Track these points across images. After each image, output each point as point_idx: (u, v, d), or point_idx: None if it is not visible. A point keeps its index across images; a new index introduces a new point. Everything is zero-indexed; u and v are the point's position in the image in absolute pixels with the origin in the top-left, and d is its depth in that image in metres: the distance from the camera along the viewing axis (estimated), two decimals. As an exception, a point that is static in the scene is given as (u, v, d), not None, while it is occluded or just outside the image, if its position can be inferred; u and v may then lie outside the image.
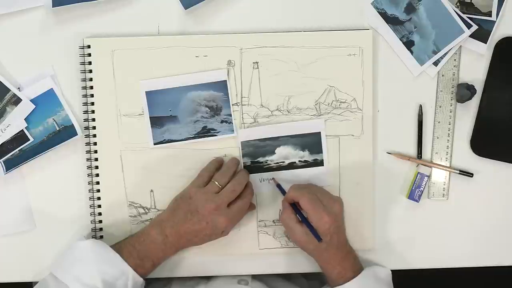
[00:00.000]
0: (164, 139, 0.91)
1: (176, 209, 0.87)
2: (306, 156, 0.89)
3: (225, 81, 0.90)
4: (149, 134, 0.91)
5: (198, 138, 0.91)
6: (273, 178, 0.91)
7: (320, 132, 0.91)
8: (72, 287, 0.82)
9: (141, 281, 0.86)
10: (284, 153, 0.90)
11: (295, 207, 0.88)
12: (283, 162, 0.91)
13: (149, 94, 0.90)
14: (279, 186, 0.89)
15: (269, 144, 0.91)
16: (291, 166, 0.92)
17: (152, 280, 0.94)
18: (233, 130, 0.91)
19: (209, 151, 0.92)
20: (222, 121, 0.91)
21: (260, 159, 0.92)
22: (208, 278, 0.96)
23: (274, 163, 0.92)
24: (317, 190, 0.88)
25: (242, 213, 0.89)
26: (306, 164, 0.91)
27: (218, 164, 0.90)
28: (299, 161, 0.89)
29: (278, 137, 0.90)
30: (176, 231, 0.86)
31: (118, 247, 0.86)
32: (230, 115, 0.91)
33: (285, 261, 0.96)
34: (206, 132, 0.91)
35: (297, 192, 0.86)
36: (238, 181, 0.87)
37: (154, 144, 0.91)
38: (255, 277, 0.96)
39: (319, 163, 0.91)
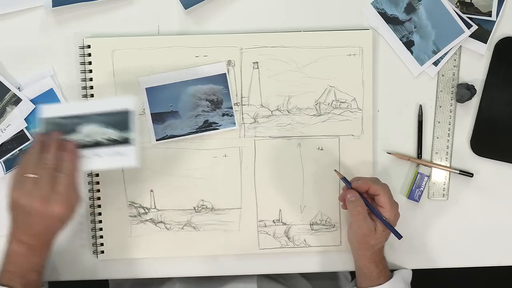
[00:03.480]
0: (166, 135, 0.91)
1: (16, 218, 0.81)
2: (113, 134, 0.86)
3: (225, 74, 0.90)
4: (151, 131, 0.91)
5: (200, 132, 0.91)
6: (335, 170, 0.90)
7: (127, 110, 0.84)
8: None
9: None
10: (89, 131, 0.86)
11: (363, 198, 0.86)
12: (88, 140, 0.84)
13: (149, 90, 0.90)
14: (344, 179, 0.88)
15: (74, 123, 0.84)
16: (97, 144, 0.84)
17: (154, 280, 0.94)
18: (234, 123, 0.91)
19: (208, 151, 0.92)
20: (223, 114, 0.91)
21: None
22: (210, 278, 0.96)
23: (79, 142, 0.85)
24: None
25: (73, 185, 0.80)
26: (113, 142, 0.84)
27: (27, 156, 0.82)
28: (105, 139, 0.85)
29: (83, 115, 0.84)
30: (29, 235, 0.80)
31: None
32: (231, 108, 0.91)
33: (285, 261, 0.96)
34: (207, 126, 0.91)
35: (379, 186, 0.85)
36: (50, 156, 0.79)
37: (157, 140, 0.91)
38: (261, 277, 0.96)
39: (127, 141, 0.84)
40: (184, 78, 0.90)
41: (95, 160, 0.83)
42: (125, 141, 0.83)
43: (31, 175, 0.78)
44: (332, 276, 1.11)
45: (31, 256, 0.81)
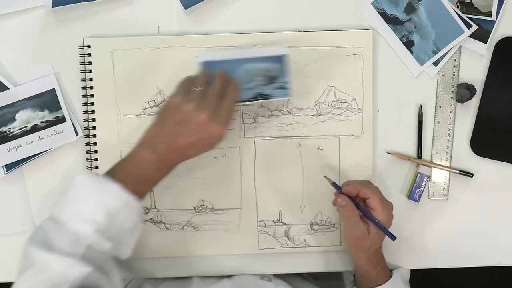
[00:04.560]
0: None
1: (164, 122, 0.79)
2: (47, 115, 0.87)
3: (285, 55, 0.87)
4: None
5: (253, 100, 0.87)
6: (325, 176, 0.90)
7: (54, 89, 0.88)
8: (72, 223, 0.74)
9: (141, 210, 0.79)
10: (24, 118, 0.88)
11: (354, 202, 0.87)
12: (26, 126, 0.89)
13: (206, 64, 0.87)
14: (334, 184, 0.88)
15: (8, 112, 0.88)
16: (35, 128, 0.89)
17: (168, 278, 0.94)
18: (290, 94, 0.87)
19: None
20: (278, 88, 0.87)
21: (3, 129, 0.90)
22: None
23: (18, 130, 0.90)
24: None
25: (231, 113, 0.81)
26: (49, 124, 0.88)
27: (193, 78, 0.83)
28: (41, 122, 0.87)
29: (14, 102, 0.87)
30: (169, 146, 0.78)
31: (111, 176, 0.78)
32: (287, 82, 0.87)
33: (285, 261, 0.96)
34: (262, 96, 0.87)
35: (368, 189, 0.85)
36: (218, 81, 0.81)
37: None
38: (275, 275, 0.96)
39: (61, 119, 0.90)
40: (243, 56, 0.88)
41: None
42: (58, 120, 0.86)
43: (201, 88, 0.79)
44: (337, 276, 1.11)
45: (154, 170, 0.79)
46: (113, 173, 0.78)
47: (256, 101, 0.87)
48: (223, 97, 0.80)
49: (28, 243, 0.74)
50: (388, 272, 0.90)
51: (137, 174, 0.79)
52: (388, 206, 0.86)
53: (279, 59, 0.87)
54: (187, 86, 0.81)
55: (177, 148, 0.78)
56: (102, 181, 0.76)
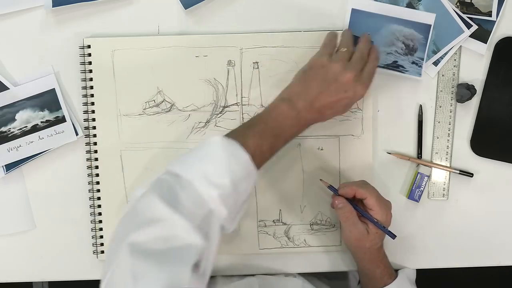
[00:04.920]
0: None
1: (308, 81, 0.81)
2: (47, 115, 0.88)
3: (430, 25, 0.89)
4: None
5: (387, 69, 0.91)
6: (321, 180, 0.90)
7: (54, 89, 0.89)
8: (198, 184, 0.70)
9: (255, 180, 0.77)
10: (24, 118, 0.89)
11: (352, 203, 0.87)
12: (26, 126, 0.90)
13: (354, 12, 0.89)
14: (330, 187, 0.88)
15: (8, 112, 0.89)
16: (35, 128, 0.90)
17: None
18: (420, 74, 0.91)
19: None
20: (413, 62, 0.90)
21: (3, 129, 0.90)
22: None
23: (18, 130, 0.90)
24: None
25: (372, 77, 0.83)
26: (49, 124, 0.89)
27: (335, 36, 0.86)
28: (41, 121, 0.88)
29: (14, 102, 0.88)
30: (310, 104, 0.79)
31: (246, 128, 0.79)
32: (423, 59, 0.90)
33: (285, 261, 0.96)
34: (395, 67, 0.90)
35: (365, 189, 0.85)
36: (363, 45, 0.83)
37: None
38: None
39: (61, 119, 0.90)
40: (392, 13, 0.89)
41: None
42: (58, 120, 0.87)
43: (348, 50, 0.82)
44: (342, 277, 1.11)
45: (293, 125, 0.80)
46: (249, 126, 0.79)
47: (390, 71, 0.89)
48: (366, 61, 0.82)
49: (153, 194, 0.70)
50: (392, 271, 0.90)
51: (275, 127, 0.79)
52: (385, 205, 0.86)
53: (424, 29, 0.88)
54: (332, 47, 0.84)
55: (317, 107, 0.80)
56: (235, 148, 0.74)
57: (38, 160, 0.92)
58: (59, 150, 0.92)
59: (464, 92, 0.91)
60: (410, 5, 0.91)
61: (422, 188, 0.94)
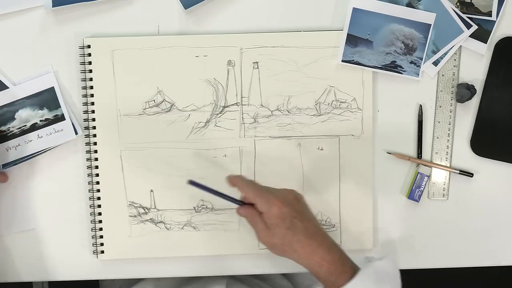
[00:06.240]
0: (353, 60, 0.91)
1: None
2: (46, 114, 0.88)
3: (430, 25, 0.89)
4: (341, 50, 0.91)
5: (385, 70, 0.91)
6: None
7: (53, 87, 0.89)
8: None
9: None
10: (24, 116, 0.89)
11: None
12: (25, 125, 0.89)
13: (355, 11, 0.90)
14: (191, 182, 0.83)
15: (7, 111, 0.88)
16: (34, 127, 0.90)
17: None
18: (418, 74, 0.91)
19: (208, 151, 0.92)
20: (411, 62, 0.90)
21: (2, 128, 0.90)
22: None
23: (17, 129, 0.90)
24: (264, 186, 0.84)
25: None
26: (48, 122, 0.89)
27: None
28: (40, 120, 0.88)
29: (16, 101, 0.88)
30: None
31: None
32: (421, 58, 0.90)
33: (285, 261, 0.95)
34: (393, 67, 0.91)
35: (240, 183, 0.82)
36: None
37: (342, 61, 0.91)
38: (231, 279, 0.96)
39: (61, 118, 0.90)
40: (392, 13, 0.89)
41: None
42: (57, 118, 0.86)
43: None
44: None
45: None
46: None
47: (388, 72, 0.89)
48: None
49: None
50: (346, 268, 0.78)
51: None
52: (264, 191, 0.80)
53: (424, 29, 0.88)
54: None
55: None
56: None
57: (38, 160, 0.92)
58: (59, 150, 0.92)
59: (464, 92, 0.91)
60: (409, 5, 0.91)
61: (422, 188, 0.94)
